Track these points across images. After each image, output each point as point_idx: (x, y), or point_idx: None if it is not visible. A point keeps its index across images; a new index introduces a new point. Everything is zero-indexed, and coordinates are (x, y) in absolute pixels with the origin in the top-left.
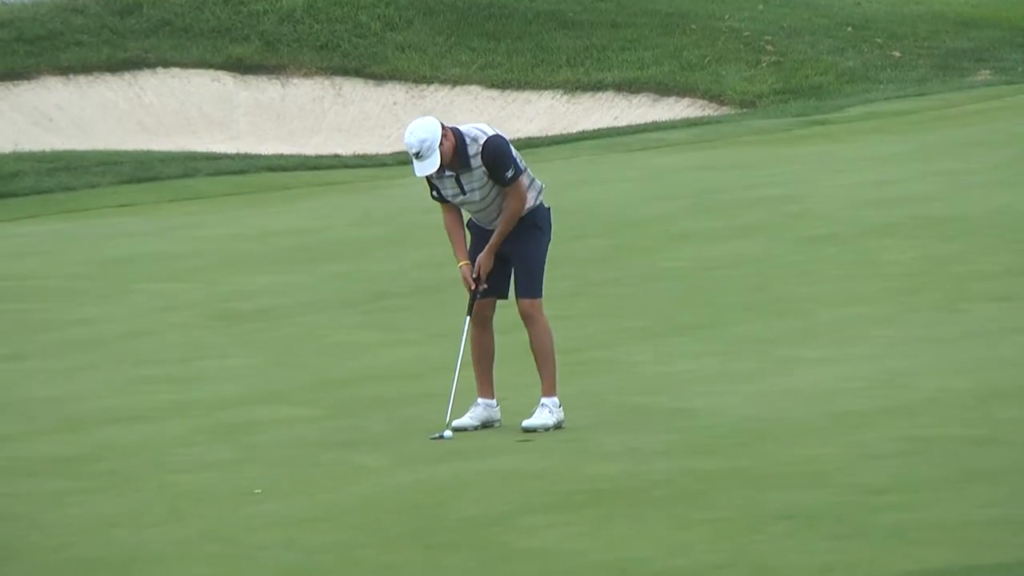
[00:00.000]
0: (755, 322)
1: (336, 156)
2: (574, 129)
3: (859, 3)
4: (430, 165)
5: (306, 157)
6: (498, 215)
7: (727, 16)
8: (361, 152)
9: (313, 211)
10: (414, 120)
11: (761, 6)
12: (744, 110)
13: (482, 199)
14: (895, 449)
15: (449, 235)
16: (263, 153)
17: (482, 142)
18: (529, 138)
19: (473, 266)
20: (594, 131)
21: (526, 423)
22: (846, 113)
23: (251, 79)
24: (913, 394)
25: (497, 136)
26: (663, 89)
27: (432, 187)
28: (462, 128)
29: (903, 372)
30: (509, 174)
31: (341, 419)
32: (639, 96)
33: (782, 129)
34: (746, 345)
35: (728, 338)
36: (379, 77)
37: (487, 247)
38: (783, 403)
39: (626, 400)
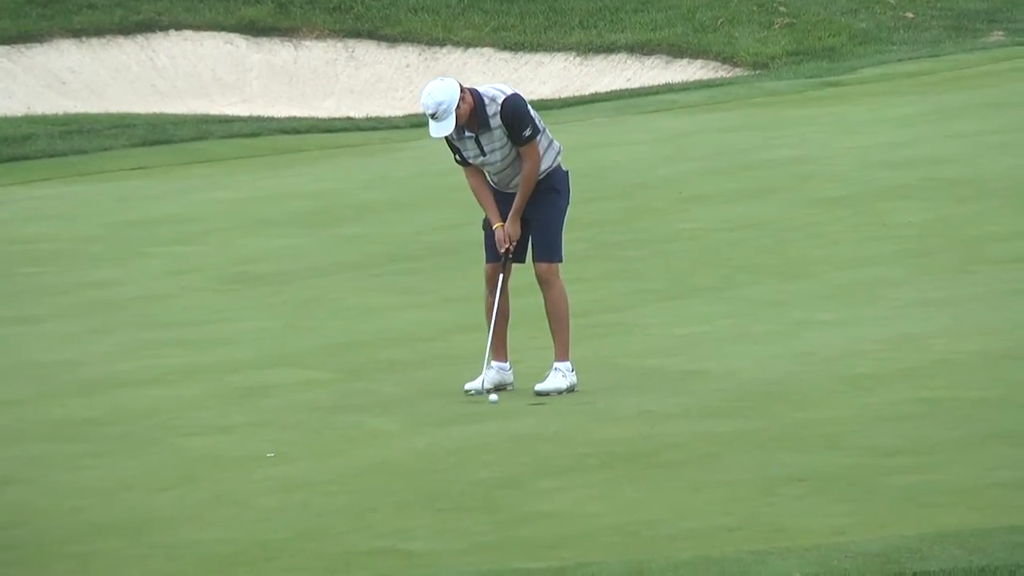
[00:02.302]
0: (768, 284)
1: (349, 119)
2: (587, 91)
3: None
4: (445, 127)
5: (319, 120)
6: (515, 179)
7: None
8: (374, 115)
9: (326, 174)
10: (432, 81)
11: None
12: (757, 72)
13: (503, 159)
14: (908, 411)
15: (479, 198)
16: (276, 116)
17: (500, 101)
18: (542, 100)
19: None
20: (607, 93)
21: (539, 387)
22: (859, 75)
23: (264, 41)
24: (926, 356)
25: (516, 95)
26: (676, 51)
27: (454, 150)
28: (480, 89)
29: (916, 334)
30: (527, 133)
31: (354, 383)
32: (652, 58)
33: (795, 91)
34: (759, 307)
35: (741, 300)
36: (392, 39)
37: (512, 213)
38: (796, 366)
39: (639, 363)
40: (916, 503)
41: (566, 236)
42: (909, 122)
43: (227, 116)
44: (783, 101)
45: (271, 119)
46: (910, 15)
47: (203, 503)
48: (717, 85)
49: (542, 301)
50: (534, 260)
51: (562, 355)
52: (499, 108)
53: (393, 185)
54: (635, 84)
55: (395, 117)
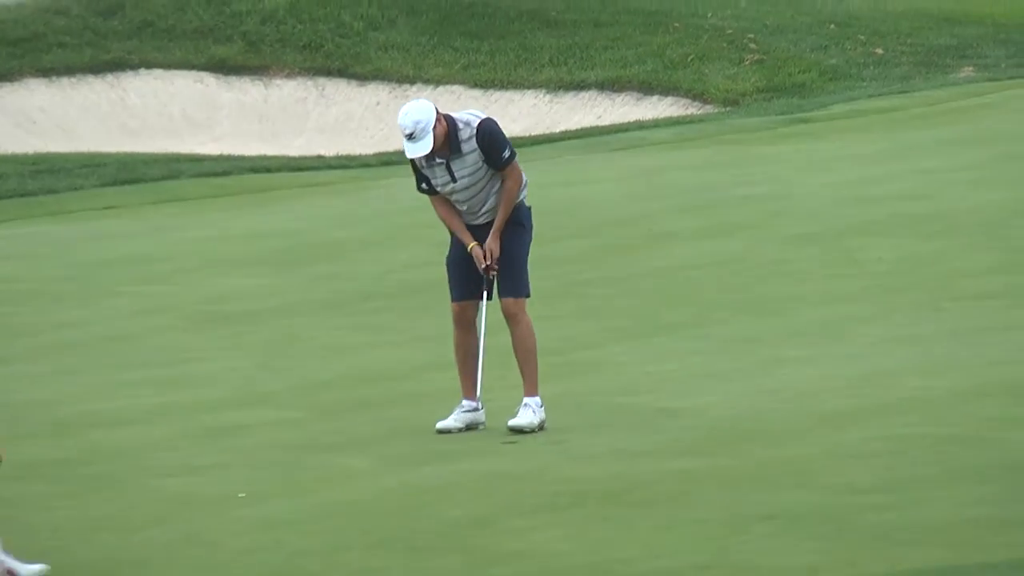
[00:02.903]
0: (738, 321)
1: (319, 157)
2: (557, 128)
3: (842, 0)
4: (423, 147)
5: (289, 158)
6: (483, 206)
7: (710, 14)
8: (344, 152)
9: (297, 212)
10: (409, 102)
11: (744, 3)
12: (727, 108)
13: (471, 186)
14: (879, 448)
15: (448, 223)
16: (246, 154)
17: (475, 125)
18: (513, 137)
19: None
20: (577, 130)
21: (512, 422)
22: (829, 111)
23: (234, 80)
24: (896, 393)
25: (490, 119)
26: (646, 88)
27: (420, 179)
28: (454, 114)
29: (886, 371)
30: (506, 155)
31: (326, 421)
32: (622, 95)
33: (765, 127)
34: (729, 344)
35: (711, 337)
36: (362, 77)
37: (492, 231)
38: (766, 403)
39: (610, 400)
40: (888, 540)
41: (535, 273)
42: (879, 158)
43: (198, 155)
44: (754, 138)
45: (242, 158)
46: (880, 51)
47: (175, 543)
48: (688, 122)
49: (509, 338)
50: (500, 296)
51: (532, 390)
52: (474, 132)
53: (363, 223)
54: (605, 121)
55: (366, 155)
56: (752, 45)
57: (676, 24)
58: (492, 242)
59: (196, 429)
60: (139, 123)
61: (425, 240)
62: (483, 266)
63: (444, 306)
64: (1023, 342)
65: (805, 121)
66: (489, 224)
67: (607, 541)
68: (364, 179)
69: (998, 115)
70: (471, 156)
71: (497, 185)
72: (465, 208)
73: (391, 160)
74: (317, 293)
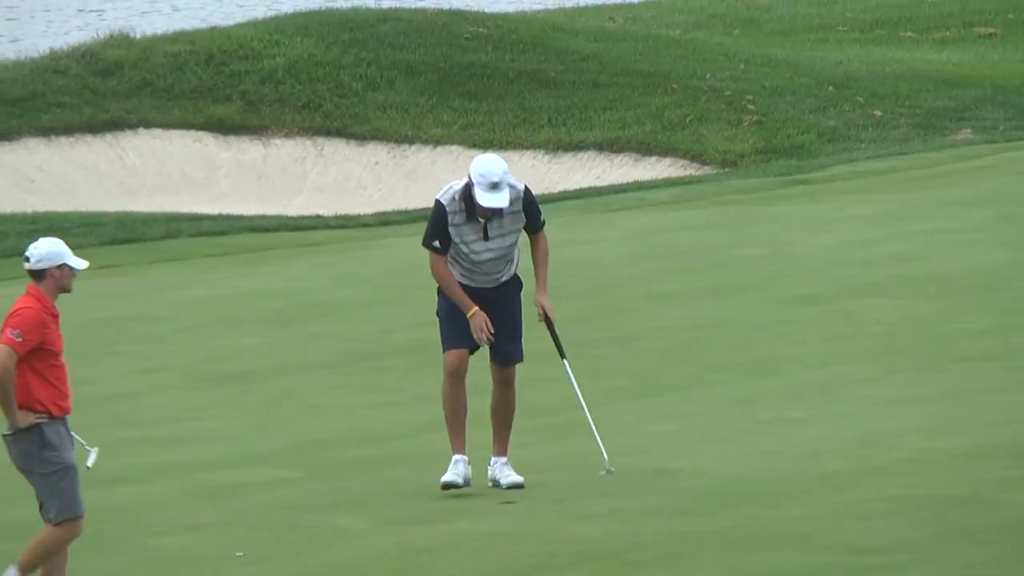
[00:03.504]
0: (737, 382)
1: (318, 217)
2: (556, 188)
3: (840, 62)
4: (504, 199)
5: (288, 218)
6: (502, 268)
7: (708, 76)
8: (343, 212)
9: (295, 272)
10: (482, 155)
11: (743, 65)
12: (726, 169)
13: (499, 248)
14: (879, 509)
15: (449, 286)
16: (245, 214)
17: (521, 189)
18: None
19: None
20: (576, 191)
21: (510, 480)
22: (828, 172)
23: (233, 140)
24: (896, 454)
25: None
26: (645, 149)
27: (438, 235)
28: None
29: (886, 432)
30: (543, 219)
31: (323, 481)
32: (621, 156)
33: (764, 188)
34: (729, 406)
35: (711, 398)
36: (361, 137)
37: (541, 289)
38: (766, 464)
39: (609, 461)
40: None
41: (534, 333)
42: (878, 220)
43: (196, 214)
44: (752, 199)
45: (240, 217)
46: (878, 113)
47: None
48: (686, 183)
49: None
50: (500, 360)
51: (506, 450)
52: (520, 194)
53: (362, 283)
54: (604, 182)
55: (364, 215)
56: (750, 107)
57: (674, 86)
58: (544, 298)
59: (194, 488)
60: (138, 182)
61: (423, 300)
62: (488, 335)
63: (438, 366)
64: (1022, 403)
65: (804, 183)
66: (499, 287)
67: None
68: (362, 239)
69: (996, 177)
70: (509, 218)
71: (515, 251)
72: (483, 269)
73: (389, 220)
74: (315, 353)
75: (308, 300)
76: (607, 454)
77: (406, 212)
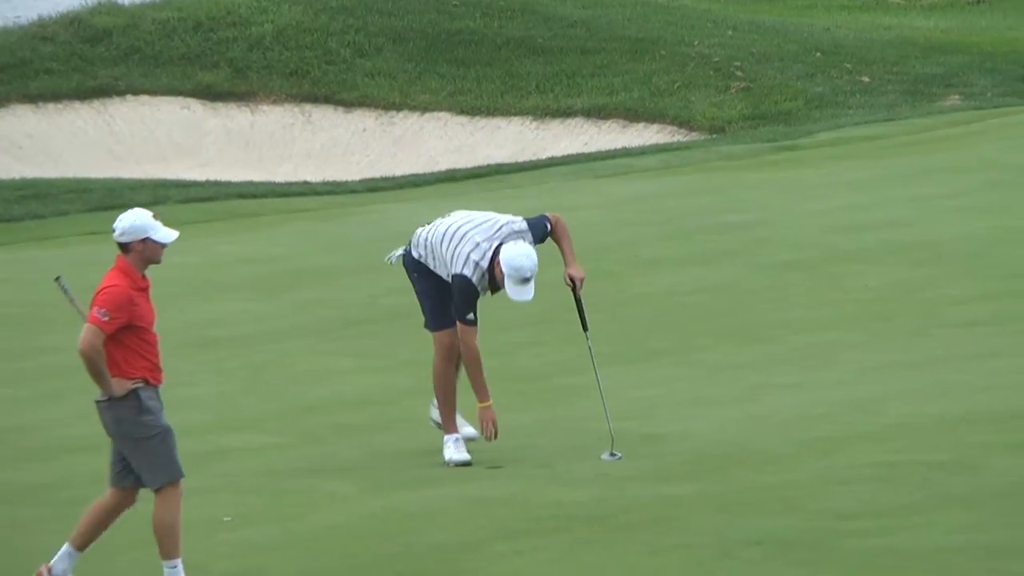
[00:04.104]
0: (724, 348)
1: (305, 183)
2: (543, 155)
3: (828, 29)
4: (531, 290)
5: (275, 184)
6: None
7: (696, 42)
8: (331, 179)
9: (282, 238)
10: (514, 246)
11: (731, 32)
12: (713, 136)
13: None
14: (865, 475)
15: (479, 368)
16: (232, 180)
17: (526, 229)
18: (498, 164)
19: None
20: (563, 157)
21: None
22: (815, 139)
23: (220, 106)
24: (883, 419)
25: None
26: (632, 115)
27: (472, 310)
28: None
29: (873, 398)
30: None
31: (311, 446)
32: (608, 122)
33: (751, 155)
34: (716, 371)
35: (698, 364)
36: (348, 104)
37: (568, 259)
38: (753, 429)
39: (593, 426)
40: (874, 567)
41: (547, 296)
42: (865, 186)
43: (184, 181)
44: (739, 165)
45: (228, 183)
46: (866, 79)
47: (157, 567)
48: (673, 149)
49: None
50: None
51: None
52: (528, 235)
53: (349, 249)
54: (592, 148)
55: (352, 181)
56: (738, 73)
57: (662, 52)
58: (576, 269)
59: (181, 454)
60: (125, 149)
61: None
62: (489, 431)
63: (426, 333)
64: (1009, 369)
65: (791, 149)
66: None
67: (593, 566)
68: (350, 205)
69: (984, 143)
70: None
71: None
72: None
73: (377, 186)
74: (302, 319)
75: (295, 266)
76: (615, 438)
77: (393, 179)
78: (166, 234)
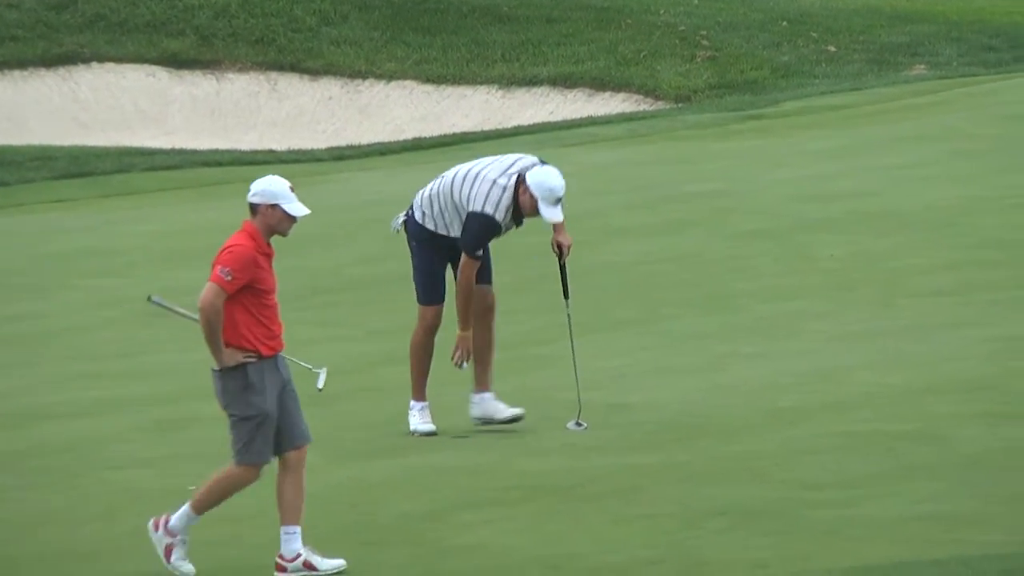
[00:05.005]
0: (691, 317)
1: (271, 151)
2: (509, 124)
3: None
4: (562, 211)
5: (241, 152)
6: None
7: (662, 11)
8: (296, 147)
9: (248, 207)
10: (541, 168)
11: (696, 1)
12: (679, 105)
13: None
14: (830, 445)
15: (468, 300)
16: (198, 148)
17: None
18: (464, 133)
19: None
20: (529, 126)
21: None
22: (781, 108)
23: (186, 74)
24: (848, 389)
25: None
26: (598, 84)
27: (483, 247)
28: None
29: (838, 367)
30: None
31: None
32: (574, 91)
33: (717, 124)
34: (682, 340)
35: (664, 333)
36: (314, 72)
37: (561, 229)
38: (719, 399)
39: (563, 396)
40: (839, 536)
41: (516, 267)
42: (831, 155)
43: (149, 149)
44: (705, 134)
45: (193, 152)
46: (832, 49)
47: (124, 536)
48: (640, 118)
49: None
50: (488, 279)
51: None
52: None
53: (315, 218)
54: (557, 117)
55: (317, 149)
56: (704, 42)
57: (628, 21)
58: (564, 236)
59: (147, 422)
60: (90, 117)
61: (376, 236)
62: (460, 357)
63: (396, 302)
64: (975, 339)
65: (757, 118)
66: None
67: (558, 535)
68: (316, 173)
69: (950, 113)
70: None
71: None
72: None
73: (343, 155)
74: None
75: None
76: (582, 409)
77: (359, 147)
78: (297, 207)
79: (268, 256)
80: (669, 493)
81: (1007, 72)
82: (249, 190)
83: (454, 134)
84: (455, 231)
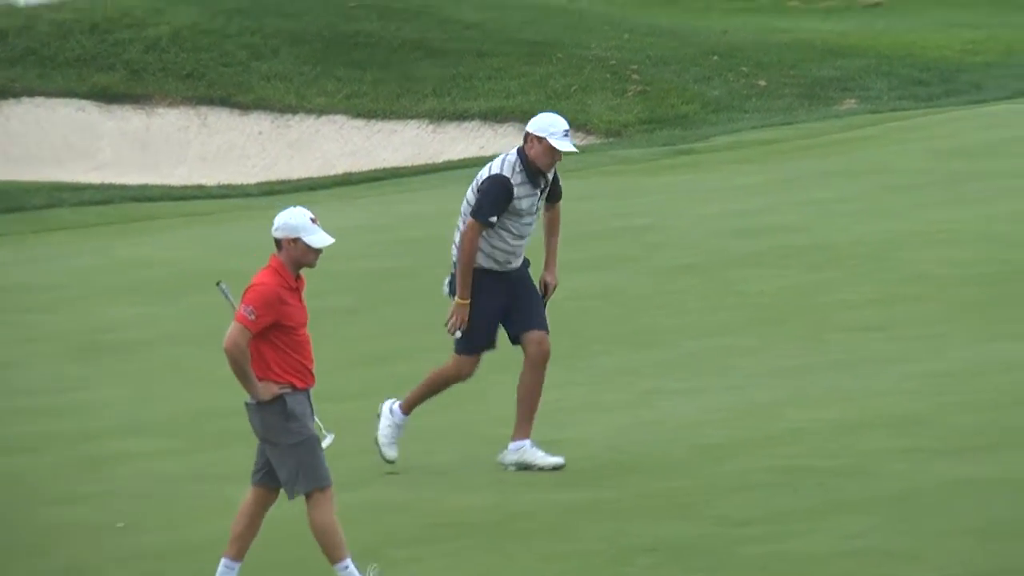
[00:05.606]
0: (619, 353)
1: (200, 187)
2: (440, 159)
3: (726, 32)
4: (571, 144)
5: (171, 187)
6: (523, 247)
7: (593, 45)
8: (226, 182)
9: (178, 242)
10: (539, 114)
11: (627, 35)
12: (610, 139)
13: (534, 216)
14: (761, 480)
15: (468, 264)
16: (128, 183)
17: None
18: (395, 168)
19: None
20: (460, 160)
21: (554, 461)
22: (712, 143)
23: (116, 108)
24: (777, 425)
25: None
26: (529, 118)
27: (497, 211)
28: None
29: (767, 403)
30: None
31: (206, 452)
32: (505, 125)
33: (648, 159)
34: (610, 376)
35: (593, 369)
36: (244, 106)
37: (552, 260)
38: (647, 435)
39: (491, 432)
40: (768, 572)
41: (422, 304)
42: (761, 190)
43: (79, 183)
44: (636, 169)
45: (123, 187)
46: (763, 83)
47: (55, 573)
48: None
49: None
50: (543, 326)
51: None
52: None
53: (245, 253)
54: (488, 151)
55: (247, 184)
56: (635, 76)
57: (559, 55)
58: (554, 276)
59: (78, 458)
60: (21, 151)
61: (305, 270)
62: (454, 325)
63: (326, 340)
64: (903, 374)
65: (688, 153)
66: (521, 267)
67: (487, 572)
68: (246, 208)
69: (880, 147)
70: (545, 190)
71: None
72: (518, 245)
73: (273, 190)
74: (198, 323)
75: (191, 270)
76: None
77: (289, 182)
78: (320, 238)
79: (296, 291)
80: (598, 530)
81: (937, 106)
82: (273, 224)
83: (384, 169)
84: (492, 260)
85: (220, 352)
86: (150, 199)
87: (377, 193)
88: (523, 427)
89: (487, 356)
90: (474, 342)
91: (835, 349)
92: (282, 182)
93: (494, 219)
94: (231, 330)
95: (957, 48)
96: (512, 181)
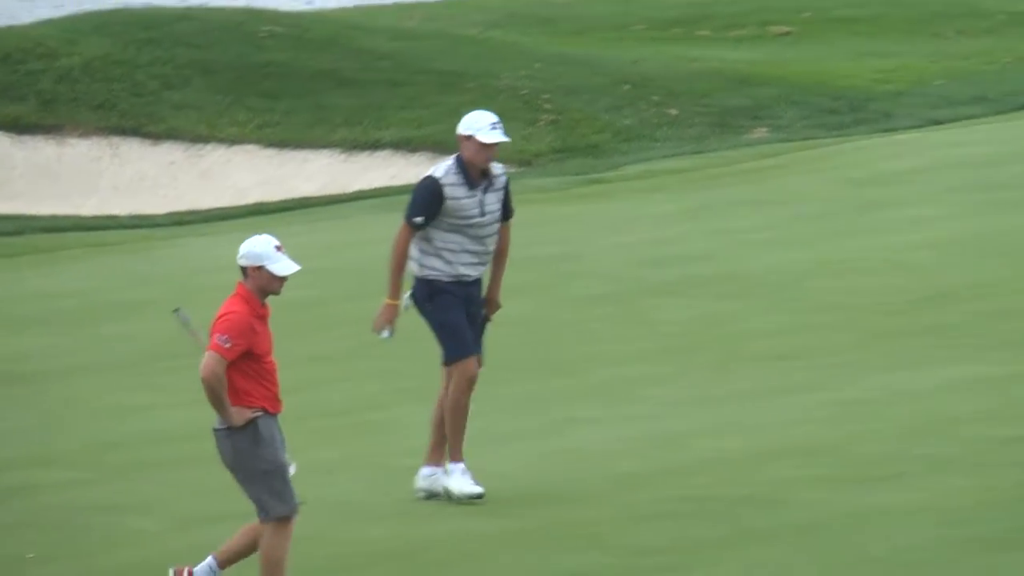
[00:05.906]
0: (529, 382)
1: (112, 217)
2: (352, 188)
3: (636, 61)
4: (502, 135)
5: (81, 218)
6: (487, 256)
7: (504, 75)
8: (138, 212)
9: (88, 272)
10: (468, 113)
11: (539, 64)
12: (521, 168)
13: (490, 225)
14: (671, 510)
15: (398, 266)
16: (39, 214)
17: (502, 169)
18: (306, 197)
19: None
20: (372, 190)
21: (476, 490)
22: (623, 172)
23: (27, 139)
24: (687, 454)
25: None
26: (441, 147)
27: (423, 212)
28: None
29: (677, 432)
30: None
31: (115, 482)
32: (417, 154)
33: (559, 188)
34: (520, 405)
35: (502, 398)
36: (156, 136)
37: (497, 282)
38: (558, 464)
39: (398, 462)
40: None
41: (332, 333)
42: (672, 219)
43: None
44: (547, 198)
45: (34, 217)
46: (674, 112)
47: None
48: None
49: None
50: (479, 357)
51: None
52: (504, 173)
53: (154, 283)
54: (400, 181)
55: (158, 215)
56: (547, 106)
57: (471, 85)
58: (498, 297)
59: None
60: None
61: (216, 301)
62: (379, 324)
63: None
64: (814, 403)
65: (599, 182)
66: (473, 284)
67: None
68: (155, 239)
69: (790, 176)
70: (496, 195)
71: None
72: (478, 250)
73: (183, 220)
74: (108, 353)
75: (101, 300)
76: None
77: (200, 212)
78: (284, 266)
79: (263, 318)
80: (508, 559)
81: (848, 135)
82: (238, 252)
83: (296, 198)
84: (443, 266)
85: (128, 382)
86: (61, 230)
87: (288, 223)
88: (436, 452)
89: (393, 387)
90: (460, 338)
91: (746, 378)
92: (192, 212)
93: (420, 219)
94: (207, 359)
95: (867, 77)
96: (442, 181)
